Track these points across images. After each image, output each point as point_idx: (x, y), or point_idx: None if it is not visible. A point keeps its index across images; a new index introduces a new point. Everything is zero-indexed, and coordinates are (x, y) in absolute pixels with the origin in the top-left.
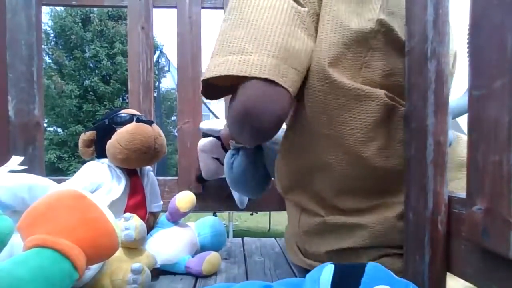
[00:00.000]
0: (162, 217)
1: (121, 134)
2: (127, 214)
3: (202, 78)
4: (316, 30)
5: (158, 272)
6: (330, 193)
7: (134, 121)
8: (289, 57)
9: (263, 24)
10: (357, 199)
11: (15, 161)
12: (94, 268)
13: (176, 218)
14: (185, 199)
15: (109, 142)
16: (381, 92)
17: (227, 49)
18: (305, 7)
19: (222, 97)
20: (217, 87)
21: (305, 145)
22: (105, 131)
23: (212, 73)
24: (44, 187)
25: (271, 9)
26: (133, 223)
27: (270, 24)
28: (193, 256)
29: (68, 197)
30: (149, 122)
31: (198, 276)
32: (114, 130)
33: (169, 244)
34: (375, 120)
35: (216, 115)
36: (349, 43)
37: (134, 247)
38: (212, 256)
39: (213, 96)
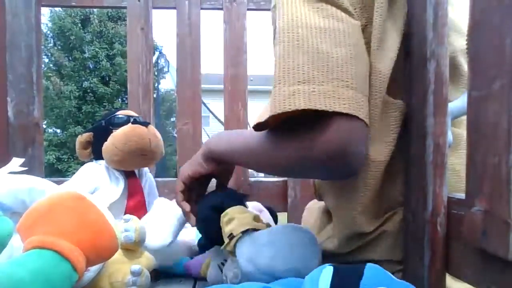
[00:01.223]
0: None
1: (116, 136)
2: (127, 216)
3: (272, 113)
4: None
5: (157, 273)
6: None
7: (130, 123)
8: (361, 84)
9: (326, 49)
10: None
11: (16, 162)
12: (93, 270)
13: None
14: None
15: (105, 144)
16: (401, 102)
17: (293, 77)
18: (358, 20)
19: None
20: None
21: None
22: (102, 133)
23: (287, 107)
24: (43, 189)
25: (331, 31)
26: (132, 225)
27: (334, 48)
28: (191, 258)
29: (68, 198)
30: (145, 124)
31: (197, 278)
32: (110, 132)
33: (168, 245)
34: (398, 132)
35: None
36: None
37: (133, 248)
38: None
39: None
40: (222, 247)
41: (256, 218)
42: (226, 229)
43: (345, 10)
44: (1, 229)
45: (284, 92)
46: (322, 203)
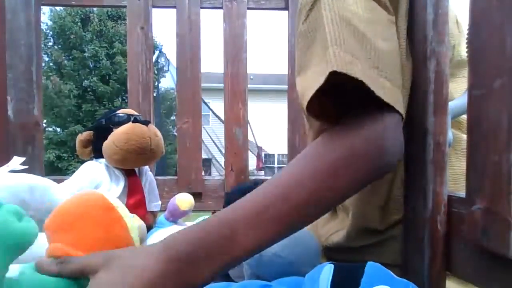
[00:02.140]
0: (161, 217)
1: (116, 135)
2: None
3: (333, 69)
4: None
5: None
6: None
7: (130, 121)
8: (397, 78)
9: (369, 36)
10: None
11: (16, 161)
12: None
13: (176, 217)
14: (185, 198)
15: (105, 143)
16: None
17: (347, 47)
18: (393, 15)
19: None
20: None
21: None
22: (102, 131)
23: (349, 71)
24: (45, 187)
25: (376, 23)
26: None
27: (378, 39)
28: None
29: (98, 207)
30: (146, 122)
31: None
32: (111, 130)
33: None
34: None
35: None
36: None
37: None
38: None
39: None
40: None
41: None
42: None
43: (383, 6)
44: (29, 228)
45: (342, 56)
46: None
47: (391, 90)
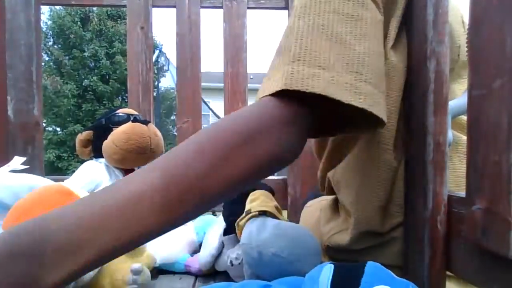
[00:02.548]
0: None
1: (116, 135)
2: None
3: (286, 87)
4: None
5: (158, 271)
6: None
7: (130, 121)
8: (378, 81)
9: (349, 40)
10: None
11: (17, 161)
12: None
13: None
14: None
15: (105, 143)
16: None
17: (314, 60)
18: (381, 15)
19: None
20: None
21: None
22: (102, 131)
23: (304, 86)
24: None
25: (358, 20)
26: None
27: (358, 40)
28: (192, 255)
29: (54, 193)
30: (145, 122)
31: (197, 276)
32: (111, 130)
33: (168, 243)
34: None
35: (215, 113)
36: None
37: None
38: None
39: None
40: (237, 221)
41: (278, 209)
42: (247, 206)
43: (374, 1)
44: None
45: (303, 71)
46: (324, 201)
47: (372, 94)
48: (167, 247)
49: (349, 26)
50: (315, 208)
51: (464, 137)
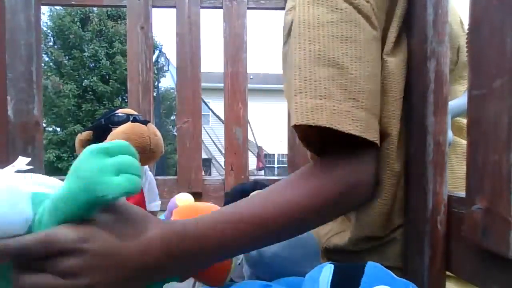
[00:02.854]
0: (161, 217)
1: (115, 135)
2: None
3: (296, 123)
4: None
5: None
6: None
7: (130, 121)
8: (372, 104)
9: (346, 63)
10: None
11: (22, 161)
12: None
13: None
14: (185, 198)
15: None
16: None
17: (314, 90)
18: (375, 29)
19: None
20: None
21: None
22: (101, 131)
23: (310, 120)
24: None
25: (352, 41)
26: None
27: (354, 63)
28: None
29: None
30: (145, 122)
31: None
32: (110, 130)
33: None
34: None
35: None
36: None
37: None
38: None
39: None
40: None
41: None
42: None
43: (366, 17)
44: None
45: (306, 104)
46: None
47: (366, 120)
48: None
49: (344, 48)
50: None
51: (461, 140)
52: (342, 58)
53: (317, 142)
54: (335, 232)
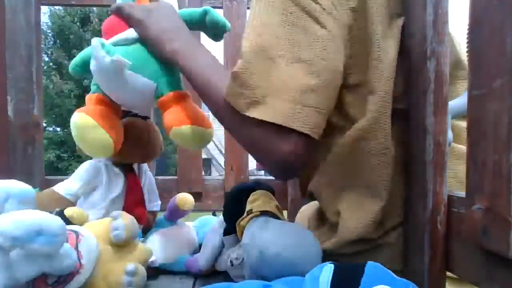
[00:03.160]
0: (161, 217)
1: None
2: (115, 213)
3: (224, 96)
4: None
5: (157, 271)
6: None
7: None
8: (316, 100)
9: (284, 62)
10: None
11: None
12: (84, 272)
13: (176, 217)
14: (186, 198)
15: None
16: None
17: (246, 80)
18: (326, 29)
19: None
20: None
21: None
22: None
23: (236, 105)
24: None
25: (293, 44)
26: (121, 222)
27: (290, 64)
28: (192, 255)
29: None
30: (144, 117)
31: (197, 276)
32: None
33: (169, 243)
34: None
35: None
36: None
37: (125, 244)
38: None
39: None
40: (238, 221)
41: (279, 209)
42: (248, 206)
43: (314, 18)
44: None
45: (235, 89)
46: (314, 208)
47: (309, 115)
48: (168, 247)
49: (285, 48)
50: (305, 215)
51: (458, 146)
52: (280, 58)
53: None
54: (326, 238)
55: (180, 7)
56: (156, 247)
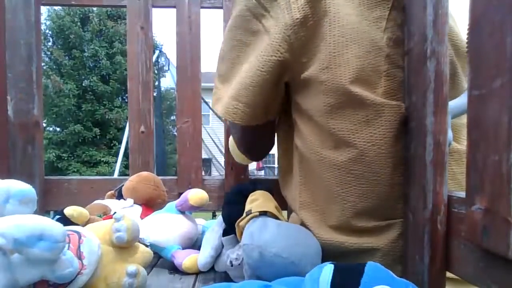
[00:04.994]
0: (172, 203)
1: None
2: (118, 214)
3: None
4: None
5: (158, 270)
6: (347, 214)
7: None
8: (240, 94)
9: (236, 63)
10: (370, 220)
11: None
12: (86, 273)
13: (184, 208)
14: (197, 194)
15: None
16: (400, 104)
17: (217, 83)
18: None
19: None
20: None
21: (319, 167)
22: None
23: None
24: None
25: (242, 46)
26: (124, 224)
27: (240, 64)
28: (183, 249)
29: None
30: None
31: (197, 275)
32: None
33: (164, 228)
34: (394, 135)
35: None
36: (365, 55)
37: (127, 246)
38: (196, 256)
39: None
40: (237, 222)
41: (278, 209)
42: (248, 206)
43: (256, 17)
44: None
45: (216, 90)
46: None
47: (242, 110)
48: (162, 231)
49: (236, 51)
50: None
51: (458, 146)
52: (234, 60)
53: None
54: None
55: (180, 8)
56: (152, 227)
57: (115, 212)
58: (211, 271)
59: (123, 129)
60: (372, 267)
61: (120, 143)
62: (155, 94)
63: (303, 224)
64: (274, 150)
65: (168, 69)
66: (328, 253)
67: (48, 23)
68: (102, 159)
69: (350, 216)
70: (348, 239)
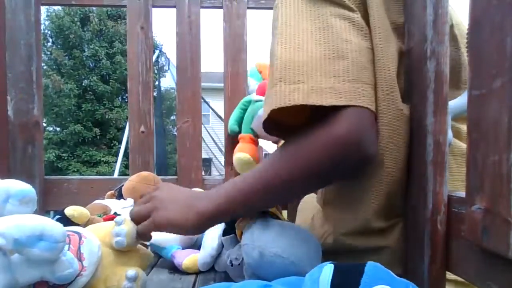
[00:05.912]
0: None
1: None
2: (119, 218)
3: (272, 107)
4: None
5: (158, 271)
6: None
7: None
8: (358, 74)
9: (321, 51)
10: (386, 219)
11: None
12: (86, 274)
13: None
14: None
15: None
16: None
17: (293, 77)
18: (356, 11)
19: (279, 134)
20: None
21: None
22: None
23: (286, 102)
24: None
25: (325, 28)
26: (124, 229)
27: (328, 49)
28: (183, 249)
29: None
30: None
31: (198, 275)
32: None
33: None
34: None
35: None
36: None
37: (127, 250)
38: (196, 256)
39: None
40: (237, 222)
41: (278, 209)
42: None
43: (338, 5)
44: None
45: (284, 90)
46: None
47: (348, 90)
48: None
49: (319, 38)
50: (308, 208)
51: (459, 143)
52: (319, 47)
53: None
54: (328, 233)
55: (180, 8)
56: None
57: (115, 212)
58: (211, 271)
59: (123, 129)
60: (372, 267)
61: (120, 143)
62: (155, 94)
63: (325, 220)
64: (274, 150)
65: (168, 69)
66: (337, 252)
67: (47, 23)
68: (102, 159)
69: (369, 217)
70: (363, 239)
